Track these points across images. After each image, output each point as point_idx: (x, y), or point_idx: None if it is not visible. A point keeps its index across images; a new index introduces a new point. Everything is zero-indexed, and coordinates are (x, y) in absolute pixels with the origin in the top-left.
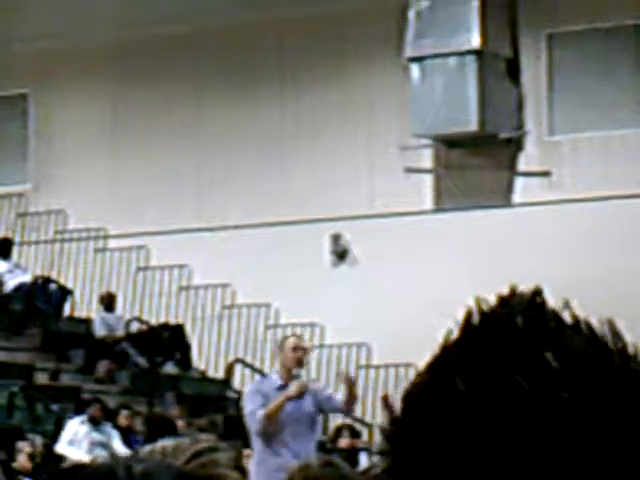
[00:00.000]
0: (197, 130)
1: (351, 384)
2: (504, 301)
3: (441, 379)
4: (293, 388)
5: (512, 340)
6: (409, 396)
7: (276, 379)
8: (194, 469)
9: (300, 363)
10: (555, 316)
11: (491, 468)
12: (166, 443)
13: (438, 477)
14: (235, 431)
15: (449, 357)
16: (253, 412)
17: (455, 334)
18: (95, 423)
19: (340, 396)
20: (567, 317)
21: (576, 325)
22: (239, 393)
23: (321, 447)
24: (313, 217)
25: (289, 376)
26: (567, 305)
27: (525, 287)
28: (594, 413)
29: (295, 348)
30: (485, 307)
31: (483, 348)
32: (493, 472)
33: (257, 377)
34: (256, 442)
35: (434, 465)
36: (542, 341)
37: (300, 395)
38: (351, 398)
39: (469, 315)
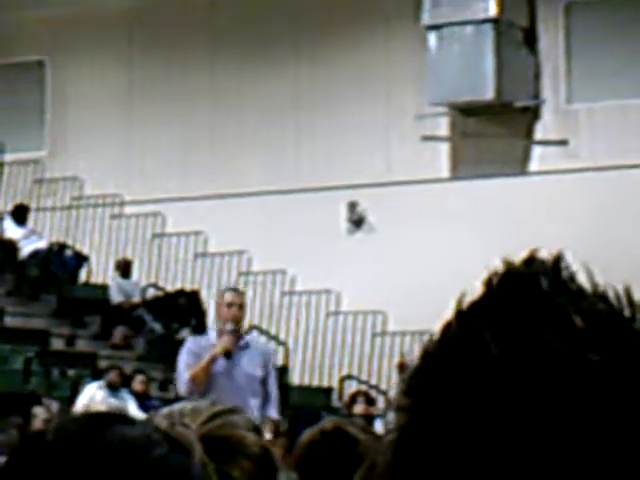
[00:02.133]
0: (213, 96)
1: None
2: (527, 264)
3: (465, 335)
4: (219, 345)
5: (537, 301)
6: (429, 353)
7: (213, 336)
8: (212, 430)
9: (235, 320)
10: (575, 282)
11: (517, 419)
12: (184, 405)
13: (462, 432)
14: None
15: (472, 315)
16: (180, 373)
17: (468, 298)
18: (113, 389)
19: (273, 402)
20: (586, 284)
21: (596, 291)
22: None
23: (335, 413)
24: (329, 185)
25: (222, 332)
26: (588, 272)
27: (545, 253)
28: (621, 375)
29: (230, 304)
30: (509, 268)
31: (508, 306)
32: (518, 422)
33: (190, 337)
34: None
35: (457, 420)
36: (567, 303)
37: (227, 354)
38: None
39: (492, 275)
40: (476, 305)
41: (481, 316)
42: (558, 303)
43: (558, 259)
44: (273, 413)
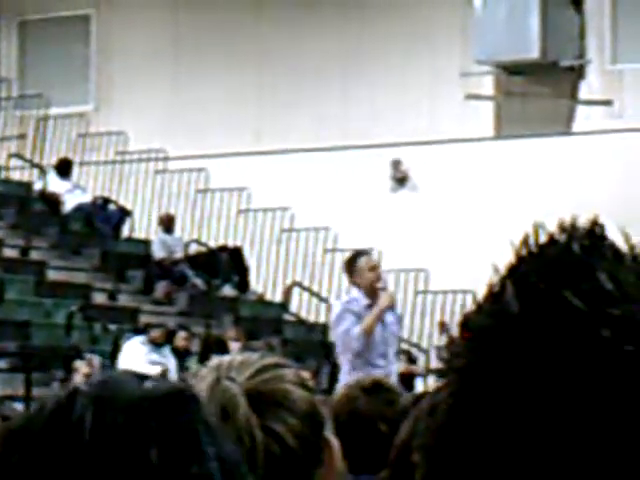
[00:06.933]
0: (259, 53)
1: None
2: (562, 229)
3: (495, 301)
4: (384, 298)
5: (567, 264)
6: (467, 320)
7: (361, 300)
8: (258, 384)
9: (380, 279)
10: (612, 246)
11: (545, 386)
12: (234, 357)
13: (499, 399)
14: (291, 354)
15: (503, 282)
16: (348, 330)
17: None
18: (156, 345)
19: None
20: (625, 248)
21: (634, 256)
22: (296, 316)
23: None
24: (374, 142)
25: (374, 294)
26: (626, 236)
27: (585, 218)
28: None
29: (372, 267)
30: (542, 234)
31: (536, 271)
32: (547, 389)
33: (342, 299)
34: (345, 364)
35: (494, 387)
36: (597, 266)
37: (391, 306)
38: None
39: (525, 241)
40: (504, 274)
41: (507, 278)
42: (586, 264)
43: (593, 225)
44: None
